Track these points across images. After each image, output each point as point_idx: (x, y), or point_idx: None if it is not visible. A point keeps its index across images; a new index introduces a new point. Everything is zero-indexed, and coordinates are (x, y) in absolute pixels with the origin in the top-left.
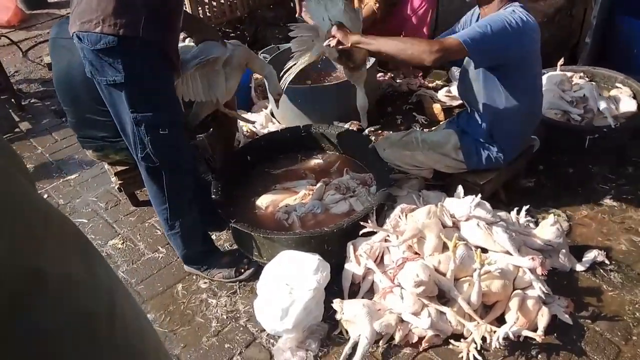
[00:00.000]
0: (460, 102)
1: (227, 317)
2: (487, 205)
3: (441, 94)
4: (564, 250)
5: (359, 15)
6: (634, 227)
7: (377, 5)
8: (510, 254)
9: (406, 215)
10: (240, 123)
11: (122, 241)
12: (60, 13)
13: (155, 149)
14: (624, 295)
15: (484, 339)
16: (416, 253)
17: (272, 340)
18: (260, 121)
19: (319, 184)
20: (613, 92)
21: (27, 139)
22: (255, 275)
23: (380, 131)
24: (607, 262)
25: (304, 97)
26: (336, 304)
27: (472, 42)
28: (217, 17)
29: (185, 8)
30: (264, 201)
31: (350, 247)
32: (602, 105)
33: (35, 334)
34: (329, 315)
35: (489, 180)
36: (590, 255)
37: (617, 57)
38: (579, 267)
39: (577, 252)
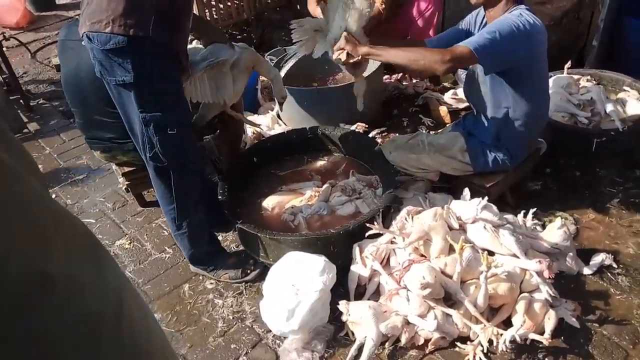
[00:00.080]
0: (466, 104)
1: (233, 318)
2: (494, 207)
3: (447, 97)
4: (571, 254)
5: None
6: None
7: (383, 5)
8: (517, 257)
9: (412, 218)
10: (246, 125)
11: (129, 241)
12: (69, 15)
13: (163, 149)
14: (631, 299)
15: (490, 341)
16: (422, 255)
17: (278, 341)
18: (267, 123)
19: (325, 186)
20: (620, 95)
21: (35, 139)
22: (261, 276)
23: (386, 133)
24: (614, 265)
25: (310, 99)
26: (342, 305)
27: (482, 49)
28: (224, 19)
29: (193, 10)
30: (270, 202)
31: (356, 249)
32: (610, 108)
33: (36, 335)
34: (335, 316)
35: (496, 183)
36: (597, 259)
37: (625, 60)
38: (586, 271)
39: (585, 255)
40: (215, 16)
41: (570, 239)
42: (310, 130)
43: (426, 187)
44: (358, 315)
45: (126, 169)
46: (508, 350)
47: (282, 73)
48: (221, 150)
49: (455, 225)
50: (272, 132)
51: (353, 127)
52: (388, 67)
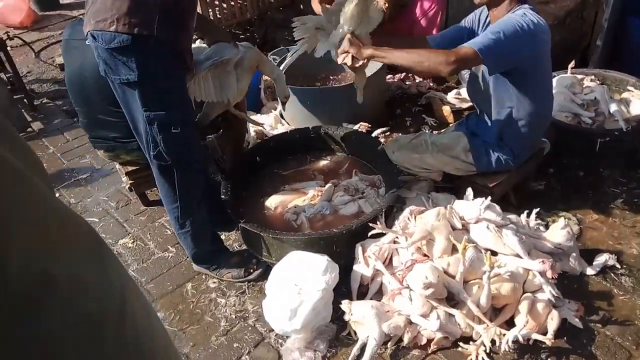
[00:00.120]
0: (469, 104)
1: (235, 317)
2: (497, 207)
3: (450, 96)
4: (574, 254)
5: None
6: None
7: (387, 5)
8: (520, 257)
9: (415, 217)
10: (249, 124)
11: (132, 240)
12: (72, 14)
13: (167, 148)
14: (635, 299)
15: (493, 341)
16: (425, 255)
17: (280, 340)
18: (270, 122)
19: (327, 185)
20: (624, 95)
21: (39, 138)
22: (264, 276)
23: (389, 133)
24: (618, 266)
25: (313, 98)
26: (345, 305)
27: (486, 49)
28: (227, 19)
29: (197, 9)
30: (273, 202)
31: (359, 249)
32: (613, 108)
33: (36, 335)
34: (338, 316)
35: (499, 183)
36: (601, 259)
37: (629, 59)
38: (590, 271)
39: (588, 255)
40: (218, 16)
41: (573, 239)
42: (313, 130)
43: (429, 187)
44: (360, 315)
45: (129, 168)
46: (511, 351)
47: (281, 68)
48: (224, 150)
49: (458, 225)
50: (275, 132)
51: (356, 127)
52: (391, 67)
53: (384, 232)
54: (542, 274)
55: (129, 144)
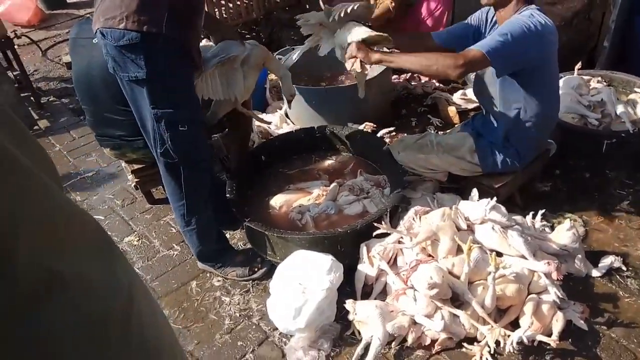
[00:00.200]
0: (475, 105)
1: (240, 315)
2: (503, 208)
3: (456, 97)
4: (579, 256)
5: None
6: None
7: (393, 4)
8: (526, 258)
9: (420, 218)
10: (256, 123)
11: (137, 238)
12: (79, 13)
13: (174, 145)
14: None
15: (497, 342)
16: (430, 255)
17: (284, 339)
18: (275, 122)
19: (332, 185)
20: (631, 97)
21: (45, 136)
22: (269, 274)
23: (394, 133)
24: (623, 268)
25: (319, 98)
26: (349, 304)
27: (494, 51)
28: (233, 18)
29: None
30: (277, 201)
31: (363, 248)
32: (620, 109)
33: (37, 335)
34: (342, 315)
35: (505, 184)
36: (606, 261)
37: (636, 61)
38: (595, 273)
39: (593, 257)
40: (224, 15)
41: (579, 241)
42: (318, 130)
43: (434, 188)
44: (365, 315)
45: (135, 167)
46: (515, 352)
47: (285, 63)
48: (229, 149)
49: (464, 225)
50: (280, 131)
51: (361, 127)
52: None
53: (388, 232)
54: (548, 275)
55: (135, 142)
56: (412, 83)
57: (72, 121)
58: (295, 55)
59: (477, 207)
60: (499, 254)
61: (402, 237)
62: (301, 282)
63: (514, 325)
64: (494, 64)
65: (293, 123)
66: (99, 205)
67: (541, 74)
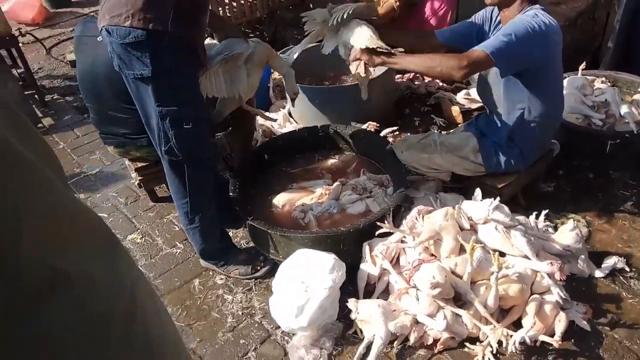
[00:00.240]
0: (479, 104)
1: (242, 313)
2: (506, 208)
3: (460, 97)
4: (583, 256)
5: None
6: None
7: (398, 3)
8: (529, 258)
9: (423, 217)
10: (260, 121)
11: (140, 236)
12: (84, 12)
13: (178, 143)
14: None
15: (500, 342)
16: (432, 255)
17: (286, 338)
18: (278, 121)
19: (335, 184)
20: (636, 97)
21: (49, 134)
22: (271, 273)
23: (398, 133)
24: (627, 269)
25: (322, 97)
26: (351, 303)
27: (498, 52)
28: (237, 17)
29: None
30: (280, 200)
31: (366, 248)
32: (624, 110)
33: (37, 335)
34: (344, 314)
35: (508, 184)
36: (609, 262)
37: None
38: (598, 274)
39: (597, 258)
40: (228, 14)
41: (582, 242)
42: (321, 129)
43: (437, 187)
44: (367, 314)
45: (139, 165)
46: (517, 352)
47: (289, 61)
48: (232, 147)
49: (467, 225)
50: (284, 130)
51: (364, 126)
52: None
53: (391, 231)
54: (551, 275)
55: (138, 140)
56: (416, 83)
57: (76, 119)
58: (295, 53)
59: (480, 207)
60: (502, 254)
61: (404, 237)
62: (304, 281)
63: (517, 325)
64: (498, 65)
65: (296, 122)
66: (102, 203)
67: (545, 74)
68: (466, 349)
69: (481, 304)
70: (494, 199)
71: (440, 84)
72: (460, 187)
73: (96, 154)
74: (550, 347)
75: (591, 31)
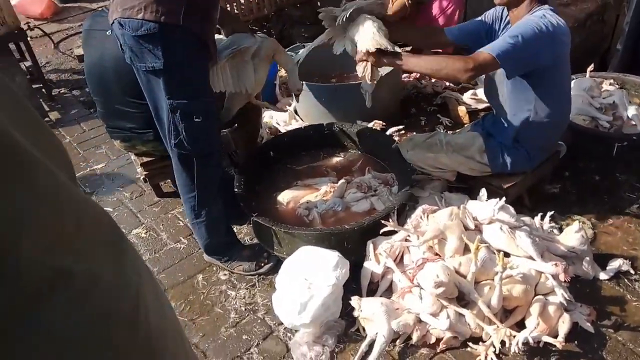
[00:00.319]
0: (486, 105)
1: (245, 309)
2: (511, 209)
3: (467, 97)
4: (587, 258)
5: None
6: None
7: (409, 1)
8: (533, 259)
9: (428, 216)
10: (265, 118)
11: (145, 231)
12: (92, 7)
13: (188, 137)
14: None
15: (503, 343)
16: (436, 254)
17: (289, 334)
18: (284, 118)
19: (340, 182)
20: None
21: (56, 128)
22: (275, 269)
23: (403, 132)
24: (631, 271)
25: (328, 95)
26: (354, 301)
27: (504, 54)
28: (244, 14)
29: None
30: (285, 197)
31: (370, 246)
32: (632, 112)
33: (37, 335)
34: (347, 312)
35: (514, 185)
36: (614, 264)
37: None
38: (603, 276)
39: (602, 260)
40: (235, 11)
41: (587, 243)
42: (327, 127)
43: (442, 187)
44: (370, 312)
45: (145, 159)
46: (520, 352)
47: (300, 57)
48: (238, 144)
49: (471, 225)
50: (289, 128)
51: (370, 125)
52: None
53: (395, 229)
54: (555, 276)
55: (145, 134)
56: (422, 82)
57: (83, 113)
58: (303, 52)
59: (485, 207)
60: (507, 255)
61: (409, 235)
62: (307, 278)
63: (520, 325)
64: (504, 67)
65: (302, 119)
66: (108, 198)
67: (552, 75)
68: (469, 349)
69: (485, 304)
70: (500, 200)
71: (447, 83)
72: (465, 187)
73: (102, 148)
74: (553, 349)
75: (600, 33)
